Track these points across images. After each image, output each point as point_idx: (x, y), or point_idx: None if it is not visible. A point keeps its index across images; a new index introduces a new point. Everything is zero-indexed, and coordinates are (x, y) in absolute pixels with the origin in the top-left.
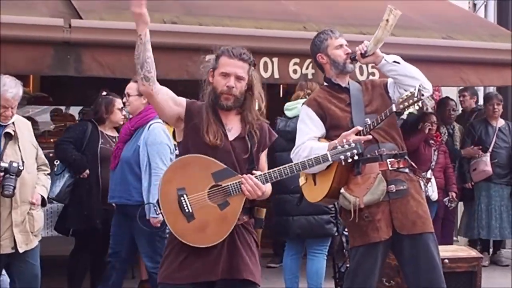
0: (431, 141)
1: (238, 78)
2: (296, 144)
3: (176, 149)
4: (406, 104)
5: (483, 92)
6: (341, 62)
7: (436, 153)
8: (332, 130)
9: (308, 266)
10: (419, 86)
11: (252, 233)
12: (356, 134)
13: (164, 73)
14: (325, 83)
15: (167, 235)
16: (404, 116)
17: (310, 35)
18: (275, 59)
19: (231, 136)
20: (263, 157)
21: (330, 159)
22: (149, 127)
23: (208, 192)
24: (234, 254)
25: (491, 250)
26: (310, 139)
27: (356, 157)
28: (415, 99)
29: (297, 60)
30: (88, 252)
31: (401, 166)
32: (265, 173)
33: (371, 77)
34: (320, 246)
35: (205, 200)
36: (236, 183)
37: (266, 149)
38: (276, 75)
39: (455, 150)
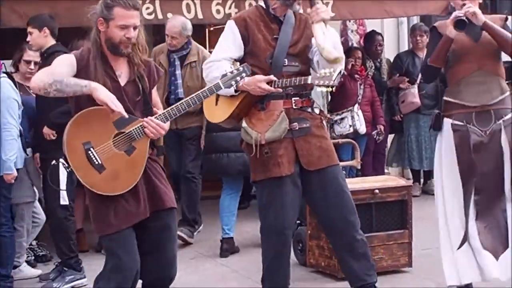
0: (356, 76)
1: (135, 27)
2: (211, 57)
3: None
4: (321, 83)
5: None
6: None
7: (362, 87)
8: (250, 56)
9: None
10: (340, 72)
11: (157, 161)
12: (268, 83)
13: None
14: (263, 5)
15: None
16: None
17: None
18: (197, 1)
19: (122, 81)
20: (155, 93)
21: (222, 87)
22: None
23: (113, 140)
24: (152, 188)
25: (422, 180)
26: (226, 59)
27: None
28: (332, 83)
29: (219, 0)
30: None
31: (305, 105)
32: (164, 112)
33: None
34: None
35: (112, 149)
36: (138, 127)
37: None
38: (200, 16)
39: (382, 82)
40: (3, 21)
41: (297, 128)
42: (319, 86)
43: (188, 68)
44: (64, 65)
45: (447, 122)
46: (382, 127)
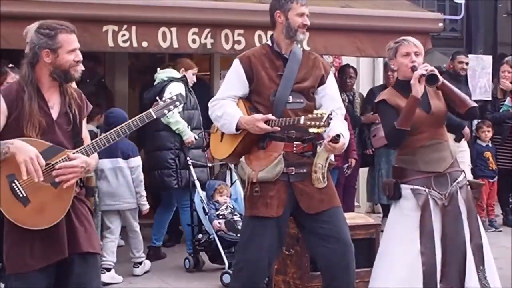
0: None
1: (78, 49)
2: (217, 94)
3: None
4: (312, 123)
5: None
6: (293, 29)
7: None
8: (255, 94)
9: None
10: (330, 113)
11: (85, 202)
12: (266, 122)
13: None
14: (269, 43)
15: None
16: None
17: (210, 4)
18: (174, 29)
19: (55, 114)
20: (84, 125)
21: (154, 116)
22: None
23: None
24: (71, 229)
25: None
26: (230, 98)
27: (180, 109)
28: (322, 123)
29: (196, 29)
30: None
31: (306, 150)
32: (92, 143)
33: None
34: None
35: (37, 181)
36: (65, 158)
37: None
38: (175, 45)
39: (355, 116)
40: None
41: (293, 173)
42: (310, 127)
43: None
44: None
45: (405, 188)
46: (353, 161)
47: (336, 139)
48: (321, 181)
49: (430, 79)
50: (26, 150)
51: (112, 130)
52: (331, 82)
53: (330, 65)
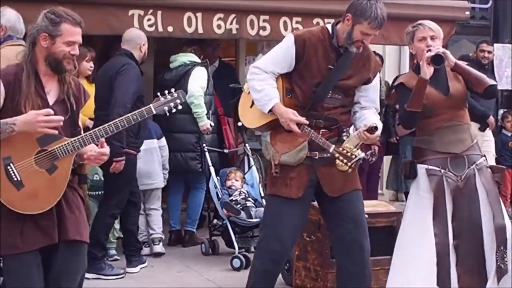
0: None
1: (79, 45)
2: (261, 62)
3: None
4: (340, 158)
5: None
6: (351, 40)
7: None
8: (297, 76)
9: (188, 198)
10: (359, 159)
11: (77, 190)
12: (298, 125)
13: (85, 29)
14: (330, 30)
15: None
16: None
17: None
18: (199, 14)
19: (51, 100)
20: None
21: (154, 111)
22: None
23: (35, 158)
24: (61, 216)
25: None
26: (272, 73)
27: (179, 107)
28: (349, 164)
29: (221, 15)
30: None
31: (332, 136)
32: (90, 133)
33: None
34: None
35: (33, 166)
36: (62, 145)
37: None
38: (200, 30)
39: (380, 102)
40: None
41: (317, 157)
42: (337, 159)
43: None
44: None
45: (421, 168)
46: (376, 148)
47: (373, 130)
48: (345, 165)
49: (435, 59)
50: (29, 120)
51: (111, 122)
52: (375, 84)
53: None
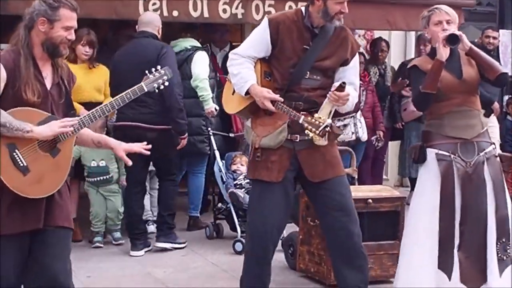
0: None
1: (75, 30)
2: (239, 48)
3: None
4: (309, 127)
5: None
6: (330, 15)
7: (364, 92)
8: (275, 59)
9: (189, 183)
10: (326, 126)
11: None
12: (272, 102)
13: (91, 14)
14: (303, 11)
15: None
16: None
17: None
18: None
19: (48, 84)
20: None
21: (145, 89)
22: None
23: (38, 142)
24: (49, 201)
25: None
26: (250, 57)
27: (166, 83)
28: (317, 132)
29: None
30: None
31: None
32: (88, 114)
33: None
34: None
35: (37, 150)
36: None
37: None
38: (206, 14)
39: (386, 88)
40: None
41: (297, 140)
42: (306, 129)
43: None
44: None
45: (430, 152)
46: (381, 133)
47: (341, 86)
48: (314, 134)
49: (451, 39)
50: (47, 128)
51: (107, 102)
52: (353, 65)
53: (361, 38)
